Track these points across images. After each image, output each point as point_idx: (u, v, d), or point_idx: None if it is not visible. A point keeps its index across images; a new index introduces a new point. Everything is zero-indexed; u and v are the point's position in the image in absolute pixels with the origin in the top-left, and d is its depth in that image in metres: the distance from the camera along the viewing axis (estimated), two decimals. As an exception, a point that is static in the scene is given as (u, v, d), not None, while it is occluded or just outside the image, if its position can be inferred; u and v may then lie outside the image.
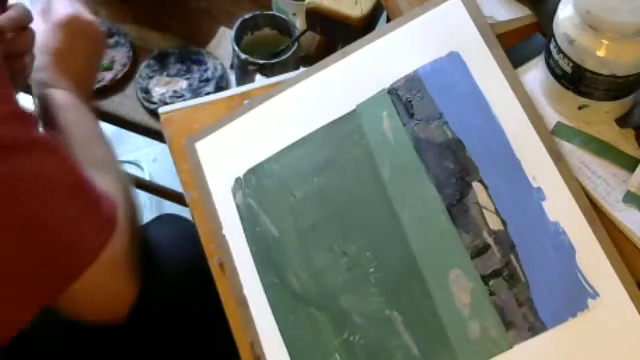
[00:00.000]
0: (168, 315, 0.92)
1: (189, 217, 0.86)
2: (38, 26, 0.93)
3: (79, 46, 0.95)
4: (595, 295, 0.69)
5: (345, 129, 0.81)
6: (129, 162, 1.80)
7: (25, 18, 0.88)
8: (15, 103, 0.70)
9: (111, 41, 1.28)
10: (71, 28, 0.94)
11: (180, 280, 0.91)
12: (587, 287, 0.70)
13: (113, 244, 0.75)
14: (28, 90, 0.94)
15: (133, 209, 0.84)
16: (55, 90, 0.90)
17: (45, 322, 0.75)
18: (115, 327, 0.88)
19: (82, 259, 0.73)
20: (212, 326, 0.85)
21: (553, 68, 0.78)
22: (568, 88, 0.78)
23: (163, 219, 1.09)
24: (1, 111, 0.68)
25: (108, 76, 1.24)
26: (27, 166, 0.69)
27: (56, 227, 0.70)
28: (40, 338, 0.86)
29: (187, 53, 1.26)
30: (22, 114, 0.71)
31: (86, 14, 0.97)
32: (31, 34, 0.90)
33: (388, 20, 0.96)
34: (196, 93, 1.23)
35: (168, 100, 1.21)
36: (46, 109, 0.88)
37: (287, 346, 0.75)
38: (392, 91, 0.81)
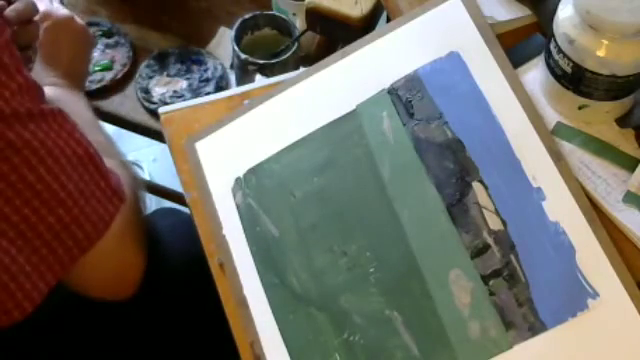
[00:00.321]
0: (168, 310, 0.92)
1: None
2: None
3: (60, 40, 0.98)
4: (595, 295, 0.69)
5: (345, 129, 0.81)
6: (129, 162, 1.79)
7: (31, 11, 0.90)
8: (26, 76, 0.72)
9: (111, 41, 1.28)
10: (48, 24, 0.97)
11: (181, 268, 0.92)
12: (587, 287, 0.70)
13: (121, 216, 0.77)
14: None
15: (136, 187, 0.85)
16: (45, 87, 0.91)
17: (50, 308, 0.76)
18: (115, 322, 0.88)
19: (94, 229, 0.75)
20: (212, 326, 0.85)
21: (553, 68, 0.78)
22: (568, 88, 0.78)
23: (162, 211, 1.10)
24: (15, 83, 0.69)
25: (108, 76, 1.24)
26: (39, 137, 0.70)
27: (68, 198, 0.72)
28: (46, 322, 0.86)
29: (187, 53, 1.26)
30: (33, 86, 0.73)
31: (61, 9, 0.99)
32: (36, 27, 0.91)
33: (388, 20, 0.96)
34: (196, 93, 1.23)
35: (168, 100, 1.21)
36: None
37: (287, 346, 0.75)
38: (392, 91, 0.81)
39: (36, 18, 0.97)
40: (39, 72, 0.94)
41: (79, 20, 1.02)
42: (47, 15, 0.98)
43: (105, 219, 0.76)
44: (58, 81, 0.94)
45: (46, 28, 0.97)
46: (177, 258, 0.92)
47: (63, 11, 1.00)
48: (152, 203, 1.75)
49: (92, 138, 0.79)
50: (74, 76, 0.98)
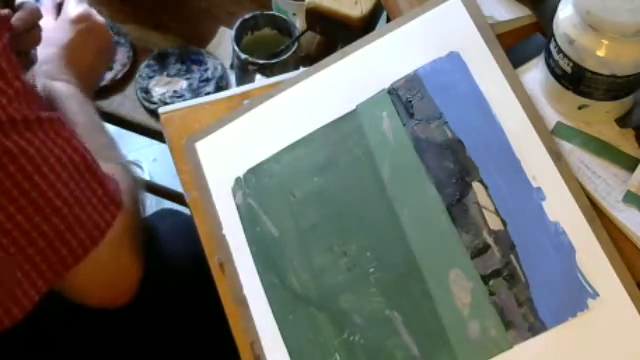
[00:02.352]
0: (168, 310, 0.92)
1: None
2: (48, 21, 0.97)
3: (88, 44, 0.99)
4: (595, 295, 0.69)
5: (345, 129, 0.81)
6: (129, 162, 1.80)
7: (36, 17, 0.90)
8: (24, 82, 0.71)
9: (111, 41, 1.28)
10: (83, 26, 0.99)
11: (181, 269, 0.91)
12: (587, 287, 0.70)
13: (118, 223, 0.77)
14: None
15: (136, 192, 0.85)
16: (57, 82, 0.92)
17: (46, 312, 0.76)
18: (115, 322, 0.88)
19: (89, 237, 0.74)
20: (212, 326, 0.85)
21: (553, 68, 0.78)
22: (568, 88, 0.78)
23: (163, 212, 1.10)
24: (12, 89, 0.69)
25: (108, 76, 1.24)
26: (35, 145, 0.70)
27: (63, 206, 0.72)
28: (41, 327, 0.86)
29: (187, 53, 1.26)
30: (31, 93, 0.72)
31: (97, 15, 1.02)
32: (39, 31, 0.91)
33: (388, 20, 0.96)
34: (196, 93, 1.22)
35: (168, 100, 1.21)
36: (48, 98, 0.90)
37: (287, 346, 0.75)
38: (392, 91, 0.81)
39: (74, 17, 0.99)
40: (56, 67, 0.95)
41: (108, 29, 1.04)
42: (85, 17, 1.00)
43: (101, 227, 0.75)
44: (72, 80, 0.95)
45: (80, 30, 0.99)
46: (177, 259, 0.92)
47: (100, 17, 1.02)
48: (152, 203, 1.75)
49: (95, 139, 0.79)
50: (88, 82, 0.99)
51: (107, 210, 0.76)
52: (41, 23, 0.96)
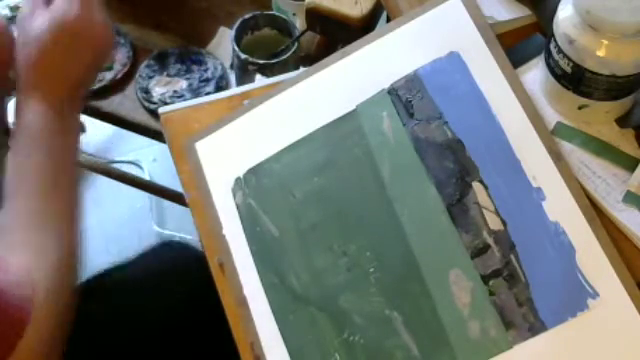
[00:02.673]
0: (169, 312, 0.92)
1: (190, 219, 0.85)
2: (37, 16, 0.80)
3: (78, 53, 0.81)
4: (595, 295, 0.69)
5: (345, 129, 0.81)
6: (129, 162, 1.80)
7: None
8: None
9: (111, 41, 1.28)
10: (75, 31, 0.80)
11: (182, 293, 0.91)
12: (587, 287, 0.70)
13: (22, 344, 0.69)
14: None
15: (65, 283, 0.76)
16: (32, 109, 0.78)
17: None
18: (117, 319, 0.87)
19: None
20: (212, 326, 0.85)
21: (553, 68, 0.78)
22: (568, 88, 0.78)
23: (160, 252, 1.08)
24: None
25: (108, 76, 1.24)
26: None
27: None
28: None
29: (187, 53, 1.26)
30: None
31: (96, 12, 0.83)
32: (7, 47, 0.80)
33: (388, 20, 0.96)
34: (196, 93, 1.23)
35: (168, 100, 1.21)
36: (15, 128, 0.78)
37: (287, 346, 0.75)
38: (392, 91, 0.81)
39: (67, 19, 0.79)
40: (33, 80, 0.78)
41: (109, 29, 0.85)
42: (79, 18, 0.80)
43: (3, 349, 0.68)
44: (48, 100, 0.78)
45: (70, 34, 0.79)
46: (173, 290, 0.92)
47: (99, 15, 0.83)
48: (152, 203, 1.76)
49: (40, 201, 0.72)
50: (73, 97, 0.81)
51: (12, 328, 0.69)
52: (26, 16, 0.80)
